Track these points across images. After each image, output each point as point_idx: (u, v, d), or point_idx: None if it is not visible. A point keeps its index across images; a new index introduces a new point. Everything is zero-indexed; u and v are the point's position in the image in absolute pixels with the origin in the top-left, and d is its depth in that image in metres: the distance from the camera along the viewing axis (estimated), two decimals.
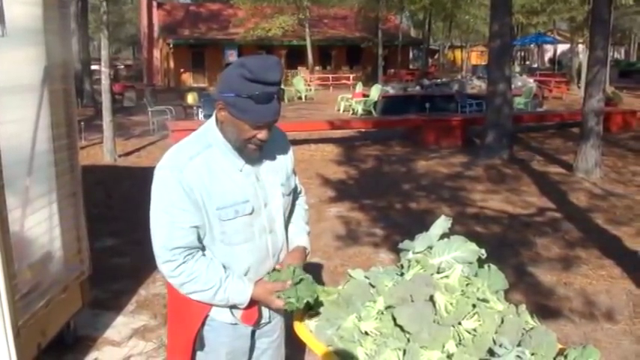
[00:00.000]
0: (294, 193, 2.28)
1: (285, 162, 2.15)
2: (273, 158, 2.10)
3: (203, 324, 2.07)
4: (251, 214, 2.00)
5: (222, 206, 1.93)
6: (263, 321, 2.18)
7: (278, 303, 1.98)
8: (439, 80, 24.29)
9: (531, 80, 22.29)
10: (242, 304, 2.00)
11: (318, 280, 2.28)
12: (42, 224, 3.44)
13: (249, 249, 2.04)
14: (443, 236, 2.31)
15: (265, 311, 2.17)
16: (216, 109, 1.91)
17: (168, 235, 1.91)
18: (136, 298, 4.78)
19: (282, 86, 1.88)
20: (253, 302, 2.03)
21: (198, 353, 2.13)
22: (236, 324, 2.09)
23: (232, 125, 1.89)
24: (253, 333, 2.18)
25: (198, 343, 2.10)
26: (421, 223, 3.12)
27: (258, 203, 2.02)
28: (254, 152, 1.95)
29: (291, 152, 2.20)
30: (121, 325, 4.35)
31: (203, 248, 2.00)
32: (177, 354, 2.15)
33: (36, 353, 3.28)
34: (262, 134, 1.89)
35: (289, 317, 2.31)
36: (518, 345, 1.93)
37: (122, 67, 42.48)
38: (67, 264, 3.72)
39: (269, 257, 2.11)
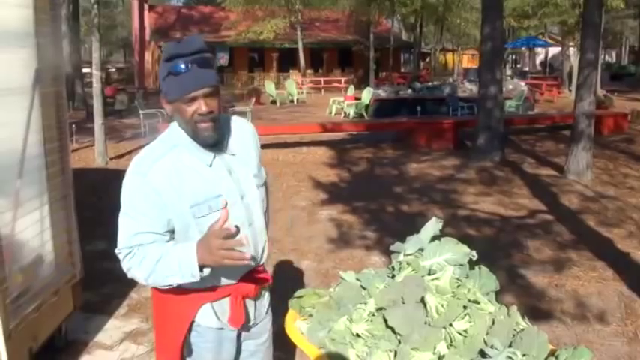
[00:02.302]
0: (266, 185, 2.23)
1: (253, 154, 2.12)
2: (241, 151, 2.06)
3: (190, 330, 2.05)
4: (225, 208, 1.95)
5: (195, 203, 1.91)
6: (250, 323, 2.15)
7: (223, 254, 1.75)
8: (431, 83, 24.39)
9: (523, 83, 22.37)
10: (189, 260, 1.82)
11: (310, 283, 2.27)
12: (33, 227, 3.42)
13: None
14: (434, 238, 2.32)
15: (252, 313, 2.15)
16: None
17: (126, 234, 1.93)
18: (127, 302, 4.76)
19: (206, 55, 1.84)
20: (205, 267, 1.83)
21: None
22: (222, 328, 2.06)
23: (175, 112, 1.88)
24: (239, 336, 2.14)
25: (186, 349, 2.08)
26: (413, 225, 3.12)
27: (233, 197, 1.98)
28: (207, 131, 1.89)
29: (256, 143, 2.16)
30: (113, 328, 4.33)
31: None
32: None
33: (28, 357, 3.26)
34: (200, 107, 1.84)
35: (279, 318, 2.31)
36: (510, 346, 1.94)
37: (113, 70, 42.33)
38: (58, 267, 3.71)
39: (249, 250, 2.06)
